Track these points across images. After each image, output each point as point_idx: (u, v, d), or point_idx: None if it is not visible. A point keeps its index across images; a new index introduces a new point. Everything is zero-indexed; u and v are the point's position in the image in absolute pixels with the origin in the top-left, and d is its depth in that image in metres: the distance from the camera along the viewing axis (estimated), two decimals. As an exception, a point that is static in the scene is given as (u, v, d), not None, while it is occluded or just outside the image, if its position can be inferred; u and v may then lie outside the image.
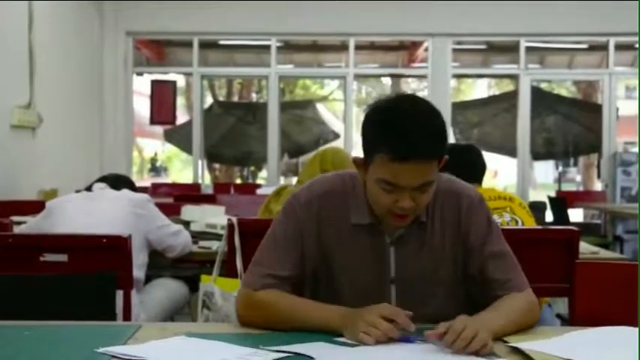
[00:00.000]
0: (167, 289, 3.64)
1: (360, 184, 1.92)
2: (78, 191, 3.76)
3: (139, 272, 3.27)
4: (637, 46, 9.30)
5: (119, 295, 2.80)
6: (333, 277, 1.94)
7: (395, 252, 1.92)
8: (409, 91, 18.36)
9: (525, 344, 1.65)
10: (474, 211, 1.96)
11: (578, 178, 15.98)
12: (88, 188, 3.51)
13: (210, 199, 5.80)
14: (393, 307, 1.72)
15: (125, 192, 3.46)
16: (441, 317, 1.80)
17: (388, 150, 1.74)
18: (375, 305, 1.71)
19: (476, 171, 3.43)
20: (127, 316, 2.87)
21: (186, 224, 3.89)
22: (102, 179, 3.59)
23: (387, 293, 1.92)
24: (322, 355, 1.56)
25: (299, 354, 1.56)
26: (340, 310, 1.77)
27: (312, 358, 1.54)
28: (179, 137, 10.99)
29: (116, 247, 2.87)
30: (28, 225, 3.61)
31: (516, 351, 1.63)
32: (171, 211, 4.10)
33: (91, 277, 2.69)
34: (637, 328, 1.77)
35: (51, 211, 3.37)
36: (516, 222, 3.21)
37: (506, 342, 1.70)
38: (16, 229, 3.61)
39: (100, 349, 1.59)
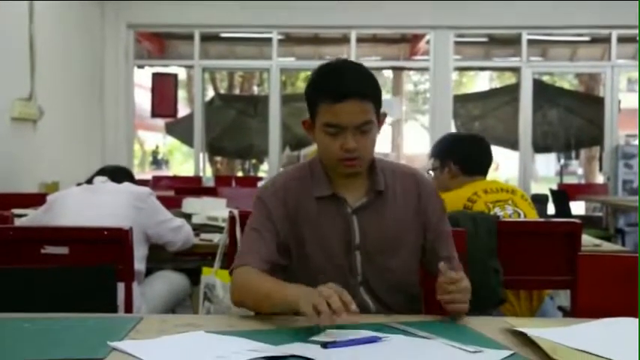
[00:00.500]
0: (168, 282, 3.64)
1: (318, 163, 2.13)
2: (79, 184, 3.75)
3: (139, 265, 3.27)
4: (639, 38, 9.28)
5: (120, 287, 2.80)
6: (304, 251, 2.08)
7: (357, 220, 2.08)
8: (410, 85, 18.30)
9: (532, 330, 1.66)
10: (432, 194, 2.19)
11: (580, 170, 15.98)
12: (89, 181, 3.50)
13: (211, 192, 5.79)
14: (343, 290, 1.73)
15: (126, 185, 3.45)
16: (403, 285, 2.09)
17: (327, 95, 1.98)
18: (331, 284, 1.72)
19: (481, 164, 3.39)
20: (128, 308, 2.87)
21: (188, 217, 3.88)
22: (100, 171, 3.58)
23: (353, 260, 2.08)
24: (320, 355, 1.50)
25: (294, 355, 1.51)
26: (297, 287, 1.81)
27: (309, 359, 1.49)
28: (180, 130, 10.98)
29: (117, 239, 2.87)
30: (28, 218, 3.61)
31: (522, 341, 1.64)
32: (172, 203, 4.10)
33: (91, 270, 2.69)
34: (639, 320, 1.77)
35: (52, 205, 3.36)
36: (518, 215, 3.19)
37: (513, 326, 1.72)
38: (17, 222, 3.61)
39: (111, 344, 1.58)
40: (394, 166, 2.20)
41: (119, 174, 3.58)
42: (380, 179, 2.11)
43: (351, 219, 2.08)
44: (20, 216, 3.82)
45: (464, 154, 3.35)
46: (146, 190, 3.45)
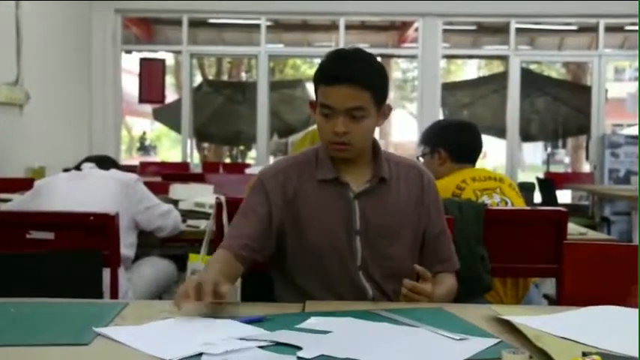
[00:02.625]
0: (155, 268, 3.63)
1: (322, 149, 2.15)
2: (66, 170, 3.73)
3: (128, 251, 3.27)
4: (626, 27, 9.30)
5: (106, 273, 2.79)
6: (304, 234, 2.10)
7: (358, 205, 2.11)
8: (399, 72, 18.23)
9: (517, 318, 1.66)
10: (434, 188, 2.25)
11: (567, 159, 16.01)
12: (77, 167, 3.48)
13: (199, 178, 5.78)
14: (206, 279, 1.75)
15: (113, 172, 3.44)
16: (401, 273, 2.04)
17: (323, 77, 2.04)
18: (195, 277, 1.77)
19: (471, 151, 3.34)
20: (114, 294, 2.86)
21: (175, 203, 3.87)
22: (86, 160, 3.56)
23: (353, 244, 2.10)
24: (306, 343, 1.49)
25: (281, 343, 1.50)
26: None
27: (298, 347, 1.47)
28: (168, 116, 10.93)
29: (103, 225, 2.86)
30: (14, 202, 3.59)
31: (508, 328, 1.64)
32: (159, 189, 4.08)
33: (77, 255, 2.68)
34: (624, 308, 1.78)
35: (39, 190, 3.34)
36: (506, 203, 3.18)
37: (499, 314, 1.72)
38: (3, 207, 3.59)
39: (96, 330, 1.58)
40: (398, 158, 2.25)
41: (105, 162, 3.56)
42: (384, 167, 2.15)
43: (352, 204, 2.11)
44: (6, 200, 3.80)
45: (454, 141, 3.31)
46: (133, 176, 3.44)
